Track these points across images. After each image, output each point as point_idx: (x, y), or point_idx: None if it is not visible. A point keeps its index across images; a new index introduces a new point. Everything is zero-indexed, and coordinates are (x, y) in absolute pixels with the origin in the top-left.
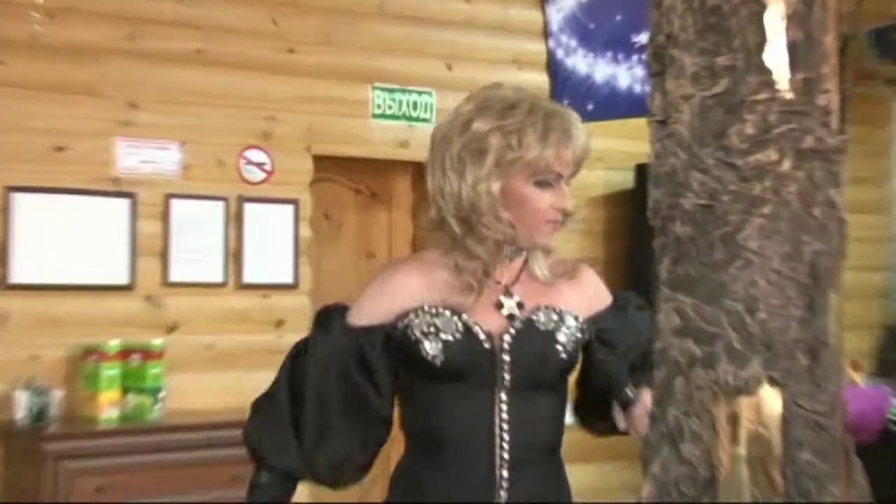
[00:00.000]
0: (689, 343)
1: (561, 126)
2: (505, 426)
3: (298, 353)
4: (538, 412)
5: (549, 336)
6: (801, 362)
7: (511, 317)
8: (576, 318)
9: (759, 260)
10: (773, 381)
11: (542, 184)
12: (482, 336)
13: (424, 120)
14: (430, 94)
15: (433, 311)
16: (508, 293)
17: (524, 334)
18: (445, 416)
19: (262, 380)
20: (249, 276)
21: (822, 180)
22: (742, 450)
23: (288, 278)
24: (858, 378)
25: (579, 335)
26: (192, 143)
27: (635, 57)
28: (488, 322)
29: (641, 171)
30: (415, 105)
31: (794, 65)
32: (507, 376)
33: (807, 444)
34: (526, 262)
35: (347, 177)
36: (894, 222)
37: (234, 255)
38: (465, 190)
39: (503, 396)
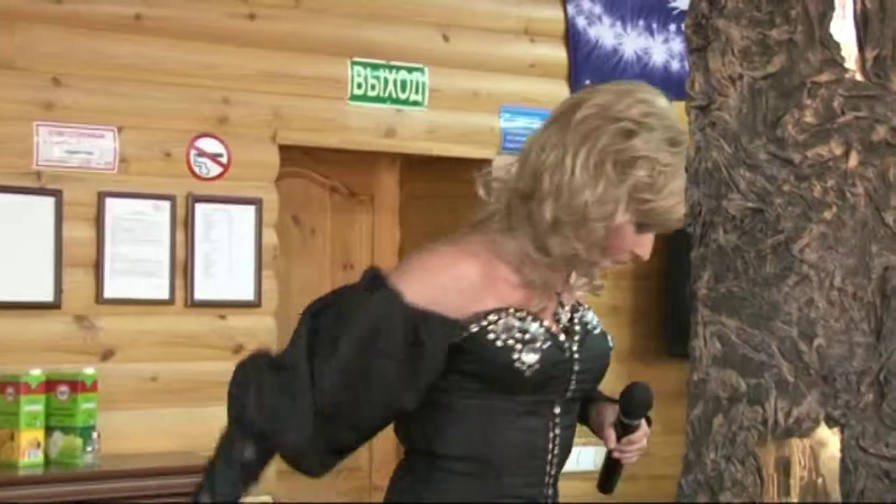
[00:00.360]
0: (733, 374)
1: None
2: (557, 440)
3: (319, 313)
4: (573, 423)
5: (604, 338)
6: (866, 398)
7: (568, 327)
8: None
9: (818, 275)
10: (831, 421)
11: (642, 227)
12: (566, 344)
13: (415, 103)
14: (422, 70)
15: (519, 315)
16: (561, 303)
17: (585, 340)
18: (507, 434)
19: (216, 417)
20: (202, 293)
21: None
22: (794, 501)
23: (248, 295)
24: None
25: None
26: (131, 130)
27: (673, 27)
28: (555, 329)
29: None
30: (403, 85)
31: (865, 39)
32: (573, 386)
33: (872, 496)
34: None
35: (321, 171)
36: None
37: (182, 267)
38: (588, 195)
39: (557, 409)
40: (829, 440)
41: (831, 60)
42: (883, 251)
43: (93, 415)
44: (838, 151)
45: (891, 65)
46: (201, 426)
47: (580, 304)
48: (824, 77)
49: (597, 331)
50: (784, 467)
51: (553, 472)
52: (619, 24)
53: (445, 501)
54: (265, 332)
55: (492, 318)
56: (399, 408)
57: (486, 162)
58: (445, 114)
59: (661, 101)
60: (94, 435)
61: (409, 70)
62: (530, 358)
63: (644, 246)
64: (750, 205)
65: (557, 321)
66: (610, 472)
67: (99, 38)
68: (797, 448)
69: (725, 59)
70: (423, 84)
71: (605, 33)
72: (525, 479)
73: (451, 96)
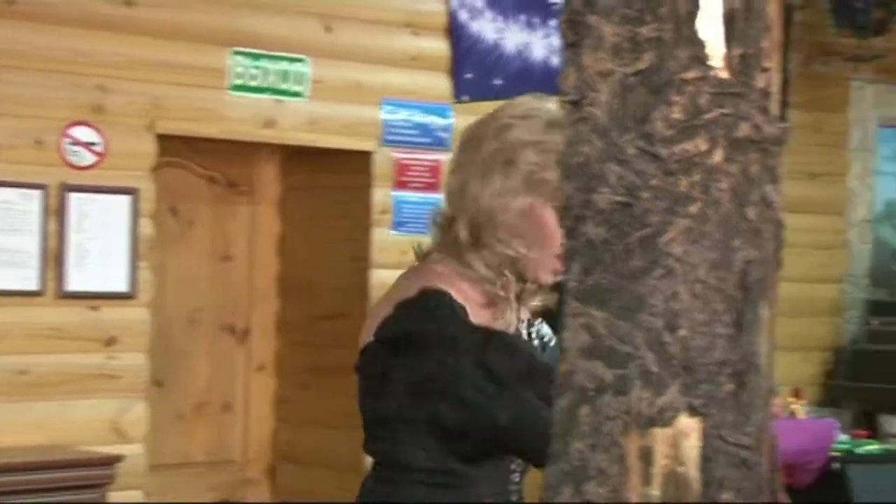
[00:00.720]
0: (599, 366)
1: None
2: None
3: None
4: None
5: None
6: (726, 388)
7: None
8: None
9: (683, 268)
10: (693, 411)
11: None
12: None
13: (296, 94)
14: (303, 61)
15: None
16: (519, 318)
17: (545, 351)
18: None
19: (87, 411)
20: (74, 284)
21: (757, 175)
22: (655, 490)
23: (122, 286)
24: (800, 408)
25: None
26: (2, 117)
27: (553, 22)
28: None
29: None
30: (284, 75)
31: (731, 38)
32: None
33: (729, 484)
34: None
35: (199, 162)
36: (851, 226)
37: (54, 258)
38: (487, 197)
39: None
40: (691, 430)
41: (698, 58)
42: (744, 245)
43: None
44: (704, 147)
45: (755, 63)
46: (72, 420)
47: (534, 319)
48: (691, 74)
49: (552, 342)
50: (646, 456)
51: (518, 471)
52: (500, 18)
53: None
54: (139, 324)
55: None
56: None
57: (367, 154)
58: (327, 105)
59: (547, 103)
60: None
61: (291, 60)
62: None
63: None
64: (618, 199)
65: (520, 335)
66: None
67: None
68: (659, 437)
69: (597, 55)
70: (305, 75)
71: (487, 27)
72: (492, 484)
73: (333, 87)
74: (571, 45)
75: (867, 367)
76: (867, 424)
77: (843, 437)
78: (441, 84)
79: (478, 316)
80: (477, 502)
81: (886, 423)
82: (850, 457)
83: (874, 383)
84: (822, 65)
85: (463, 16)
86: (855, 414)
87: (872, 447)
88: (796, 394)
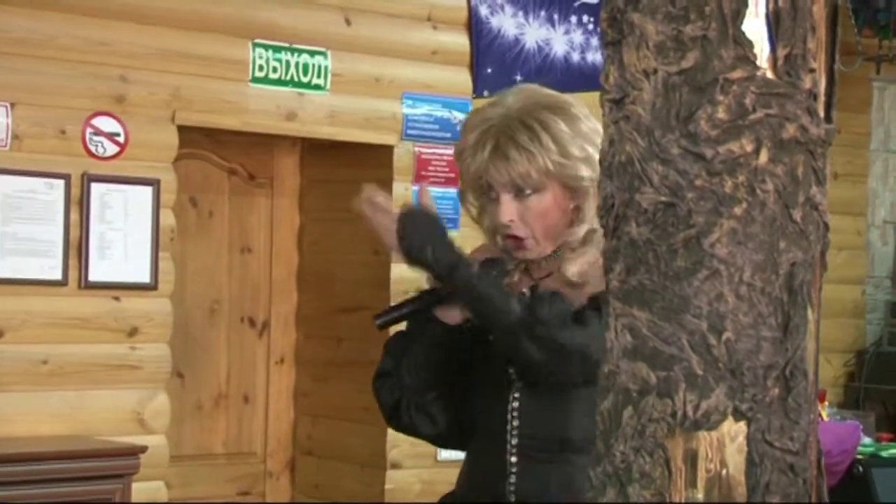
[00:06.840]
0: (643, 367)
1: (490, 140)
2: (515, 413)
3: None
4: (546, 404)
5: None
6: (773, 392)
7: None
8: None
9: (728, 270)
10: (738, 414)
11: (487, 198)
12: None
13: (317, 87)
14: (324, 54)
15: None
16: (535, 288)
17: None
18: (474, 404)
19: (109, 401)
20: (96, 274)
21: (804, 177)
22: (700, 494)
23: (144, 277)
24: (823, 411)
25: None
26: (25, 106)
27: (574, 18)
28: None
29: None
30: (305, 68)
31: (777, 38)
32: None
33: (776, 489)
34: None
35: (220, 153)
36: (873, 227)
37: (76, 248)
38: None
39: (517, 385)
40: (736, 433)
41: (744, 58)
42: (790, 247)
43: None
44: (749, 148)
45: (801, 63)
46: (93, 410)
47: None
48: (737, 74)
49: None
50: (691, 460)
51: (516, 443)
52: (521, 13)
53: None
54: (161, 314)
55: None
56: None
57: (388, 148)
58: (347, 98)
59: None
60: None
61: (312, 53)
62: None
63: (496, 215)
64: (662, 199)
65: None
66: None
67: None
68: (704, 441)
69: (640, 53)
70: (326, 68)
71: (508, 23)
72: (487, 444)
73: (354, 81)
74: (612, 43)
75: (890, 369)
76: (891, 427)
77: (867, 439)
78: (461, 79)
79: None
80: None
81: None
82: (874, 460)
83: None
84: (843, 65)
85: (483, 10)
86: (878, 416)
87: None
88: (819, 396)
